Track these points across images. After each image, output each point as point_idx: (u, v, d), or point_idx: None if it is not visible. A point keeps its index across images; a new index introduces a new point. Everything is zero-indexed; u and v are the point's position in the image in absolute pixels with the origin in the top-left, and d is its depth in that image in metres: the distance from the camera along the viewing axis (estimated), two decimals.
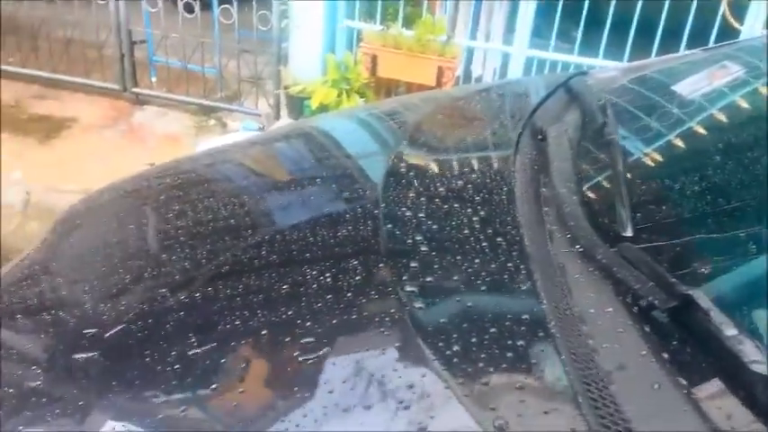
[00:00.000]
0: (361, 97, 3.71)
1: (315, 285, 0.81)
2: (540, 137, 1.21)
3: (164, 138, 3.87)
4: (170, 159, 1.37)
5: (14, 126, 3.78)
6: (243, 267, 0.90)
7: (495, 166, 1.17)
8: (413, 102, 1.62)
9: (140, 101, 4.20)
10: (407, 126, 1.35)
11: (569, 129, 1.23)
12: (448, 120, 1.45)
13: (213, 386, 0.69)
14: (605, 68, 1.65)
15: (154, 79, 4.33)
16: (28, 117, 3.92)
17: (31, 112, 3.98)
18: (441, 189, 1.05)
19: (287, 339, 0.73)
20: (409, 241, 0.88)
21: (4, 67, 4.28)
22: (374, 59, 3.54)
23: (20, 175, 3.30)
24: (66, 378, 0.75)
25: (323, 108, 3.59)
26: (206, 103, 4.12)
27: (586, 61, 3.48)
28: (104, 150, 3.63)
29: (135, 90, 4.16)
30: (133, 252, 1.00)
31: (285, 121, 3.84)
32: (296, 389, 0.66)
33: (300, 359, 0.69)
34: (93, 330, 0.81)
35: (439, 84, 3.53)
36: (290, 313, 0.77)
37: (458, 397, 0.62)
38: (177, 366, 0.71)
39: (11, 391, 0.72)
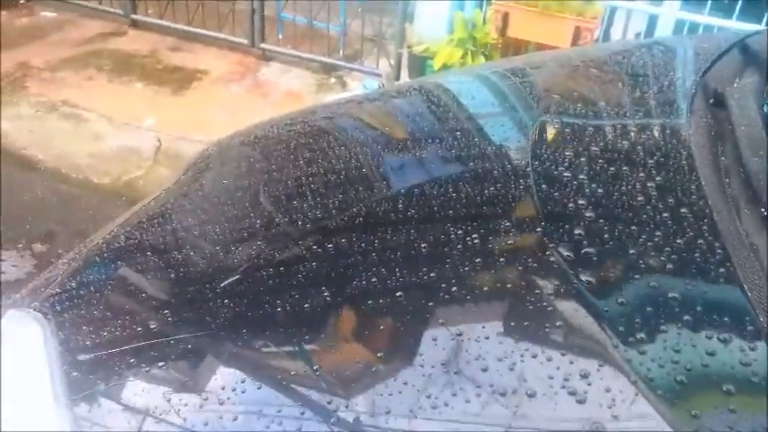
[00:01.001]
0: (487, 59, 3.53)
1: (460, 247, 0.72)
2: (715, 99, 1.03)
3: (286, 94, 3.90)
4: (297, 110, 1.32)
5: (149, 75, 3.96)
6: (377, 220, 0.83)
7: (667, 129, 1.00)
8: (566, 56, 1.45)
9: (267, 56, 4.26)
10: (560, 83, 1.20)
11: (752, 92, 1.03)
12: (605, 78, 1.28)
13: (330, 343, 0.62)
14: None
15: (280, 36, 4.37)
16: (163, 67, 4.09)
17: (165, 62, 4.15)
18: (603, 151, 0.91)
19: (425, 304, 0.64)
20: (571, 206, 0.76)
21: (141, 17, 4.49)
22: (505, 18, 3.33)
23: (152, 123, 3.46)
24: (184, 320, 0.71)
25: (445, 68, 3.45)
26: (327, 60, 4.10)
27: (745, 27, 3.07)
28: (231, 103, 3.72)
29: (262, 46, 4.22)
30: (262, 197, 0.95)
31: (406, 79, 3.74)
32: (437, 361, 0.57)
33: (441, 328, 0.60)
34: (217, 274, 0.76)
35: (575, 45, 3.26)
36: (431, 275, 0.68)
37: (647, 395, 0.50)
38: (300, 317, 0.65)
39: (133, 329, 0.69)
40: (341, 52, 4.17)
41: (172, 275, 0.81)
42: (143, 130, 3.40)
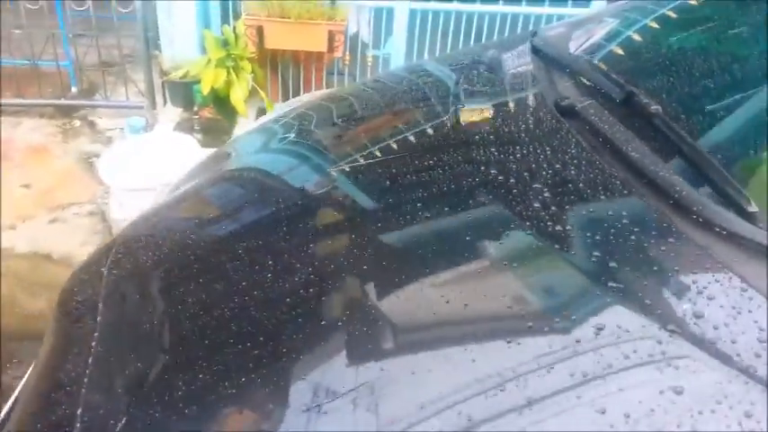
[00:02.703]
0: (250, 73, 3.49)
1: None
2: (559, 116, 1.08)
3: (30, 151, 3.37)
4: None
5: None
6: None
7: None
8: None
9: None
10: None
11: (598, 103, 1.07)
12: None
13: None
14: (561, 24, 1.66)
15: None
16: None
17: None
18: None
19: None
20: None
21: None
22: (260, 31, 3.32)
23: None
24: None
25: (214, 92, 3.34)
26: (61, 102, 3.62)
27: (468, 8, 3.55)
28: None
29: None
30: None
31: (171, 109, 3.52)
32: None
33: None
34: None
35: (330, 49, 3.42)
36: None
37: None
38: None
39: None
40: (74, 89, 3.73)
41: None
42: None
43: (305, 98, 1.84)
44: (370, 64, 3.68)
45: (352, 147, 1.14)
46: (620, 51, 1.34)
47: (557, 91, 1.18)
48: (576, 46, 1.33)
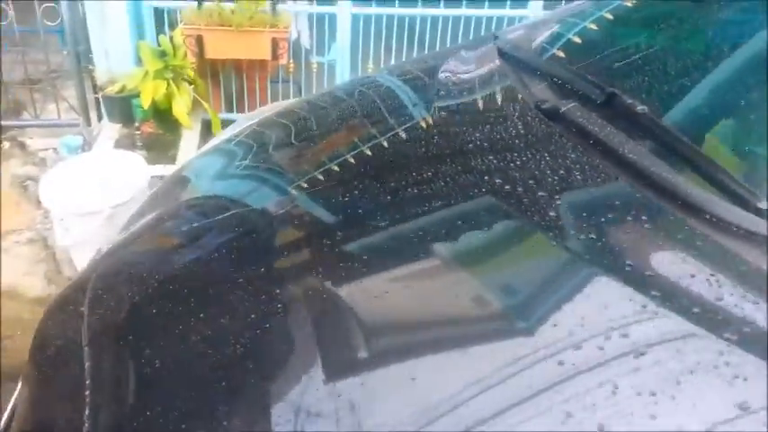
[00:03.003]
0: (191, 84, 3.38)
1: None
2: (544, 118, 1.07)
3: None
4: None
5: None
6: None
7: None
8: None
9: None
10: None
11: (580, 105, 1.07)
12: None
13: None
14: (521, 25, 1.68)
15: None
16: None
17: None
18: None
19: None
20: None
21: None
22: (199, 40, 3.21)
23: None
24: None
25: (155, 106, 3.21)
26: None
27: (410, 12, 3.56)
28: None
29: None
30: None
31: (109, 126, 3.35)
32: None
33: None
34: None
35: (275, 57, 3.35)
36: None
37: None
38: None
39: None
40: None
41: None
42: None
43: (260, 112, 1.78)
44: (315, 70, 3.63)
45: (309, 164, 1.14)
46: (587, 51, 1.36)
47: (531, 94, 1.18)
48: (542, 48, 1.35)
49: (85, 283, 1.03)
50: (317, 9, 3.58)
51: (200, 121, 3.51)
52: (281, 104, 1.75)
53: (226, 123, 3.61)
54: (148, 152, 3.11)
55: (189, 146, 3.29)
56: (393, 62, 3.71)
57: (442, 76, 1.39)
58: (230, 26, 3.17)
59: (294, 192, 1.03)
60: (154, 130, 3.31)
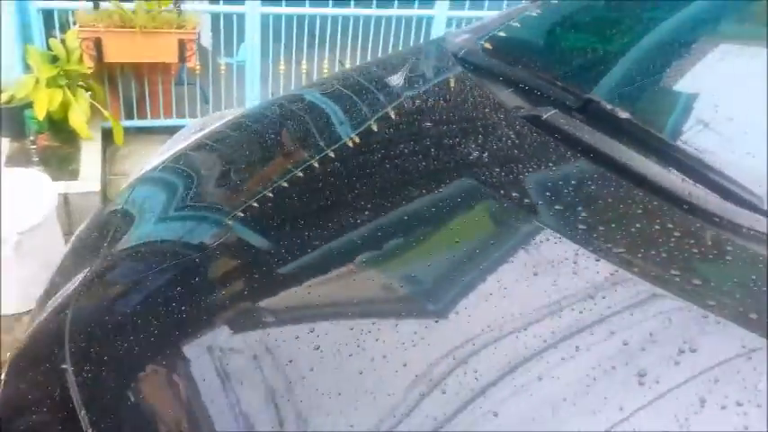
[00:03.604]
0: (88, 91, 3.11)
1: None
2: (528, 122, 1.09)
3: None
4: None
5: None
6: None
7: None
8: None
9: None
10: None
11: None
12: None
13: None
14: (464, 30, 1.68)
15: None
16: None
17: None
18: None
19: None
20: None
21: None
22: (98, 44, 2.95)
23: None
24: None
25: (50, 116, 2.91)
26: None
27: (320, 12, 3.50)
28: None
29: None
30: None
31: None
32: None
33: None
34: None
35: (182, 59, 3.16)
36: None
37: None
38: None
39: None
40: None
41: None
42: None
43: (190, 127, 1.66)
44: (223, 72, 3.47)
45: (242, 194, 1.10)
46: (542, 52, 1.39)
47: (499, 101, 1.19)
48: (498, 52, 1.35)
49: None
50: (224, 8, 3.41)
51: (99, 130, 3.24)
52: (226, 114, 1.64)
53: (129, 132, 3.36)
54: (46, 168, 2.82)
55: (90, 158, 3.02)
56: (304, 63, 3.63)
57: (395, 83, 1.36)
58: (133, 28, 2.94)
59: (229, 222, 1.01)
60: (49, 142, 3.01)
